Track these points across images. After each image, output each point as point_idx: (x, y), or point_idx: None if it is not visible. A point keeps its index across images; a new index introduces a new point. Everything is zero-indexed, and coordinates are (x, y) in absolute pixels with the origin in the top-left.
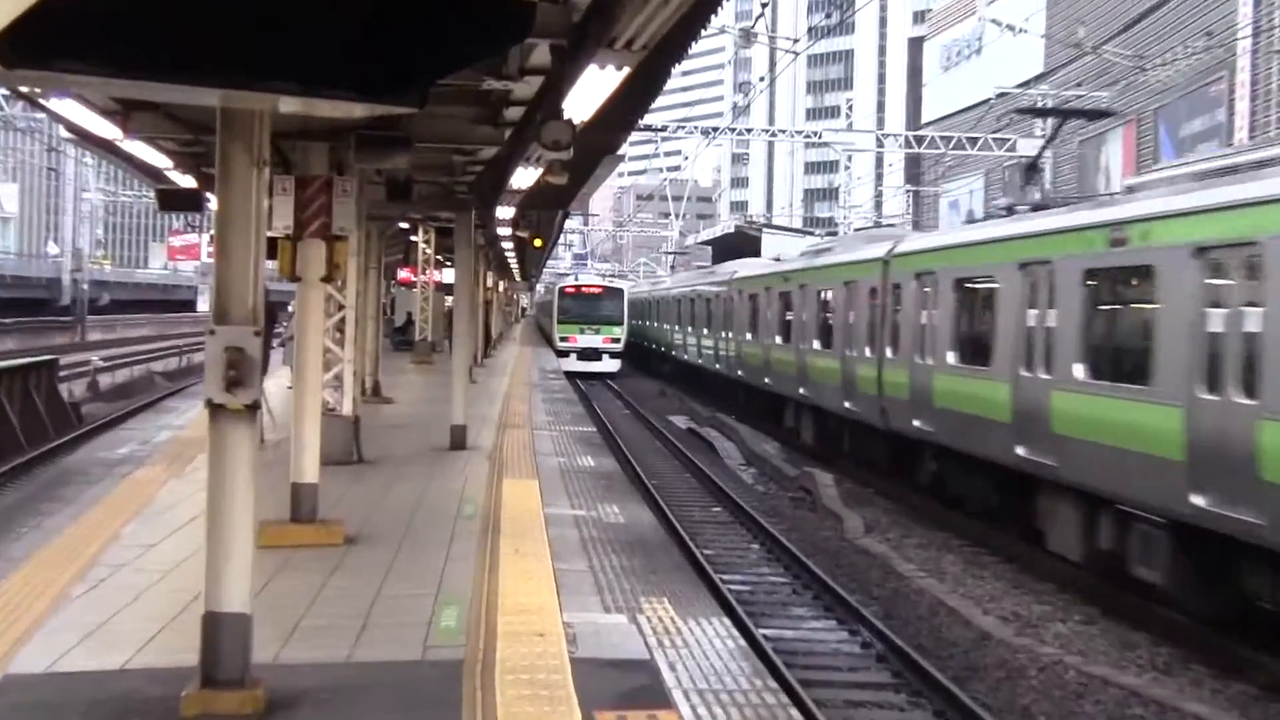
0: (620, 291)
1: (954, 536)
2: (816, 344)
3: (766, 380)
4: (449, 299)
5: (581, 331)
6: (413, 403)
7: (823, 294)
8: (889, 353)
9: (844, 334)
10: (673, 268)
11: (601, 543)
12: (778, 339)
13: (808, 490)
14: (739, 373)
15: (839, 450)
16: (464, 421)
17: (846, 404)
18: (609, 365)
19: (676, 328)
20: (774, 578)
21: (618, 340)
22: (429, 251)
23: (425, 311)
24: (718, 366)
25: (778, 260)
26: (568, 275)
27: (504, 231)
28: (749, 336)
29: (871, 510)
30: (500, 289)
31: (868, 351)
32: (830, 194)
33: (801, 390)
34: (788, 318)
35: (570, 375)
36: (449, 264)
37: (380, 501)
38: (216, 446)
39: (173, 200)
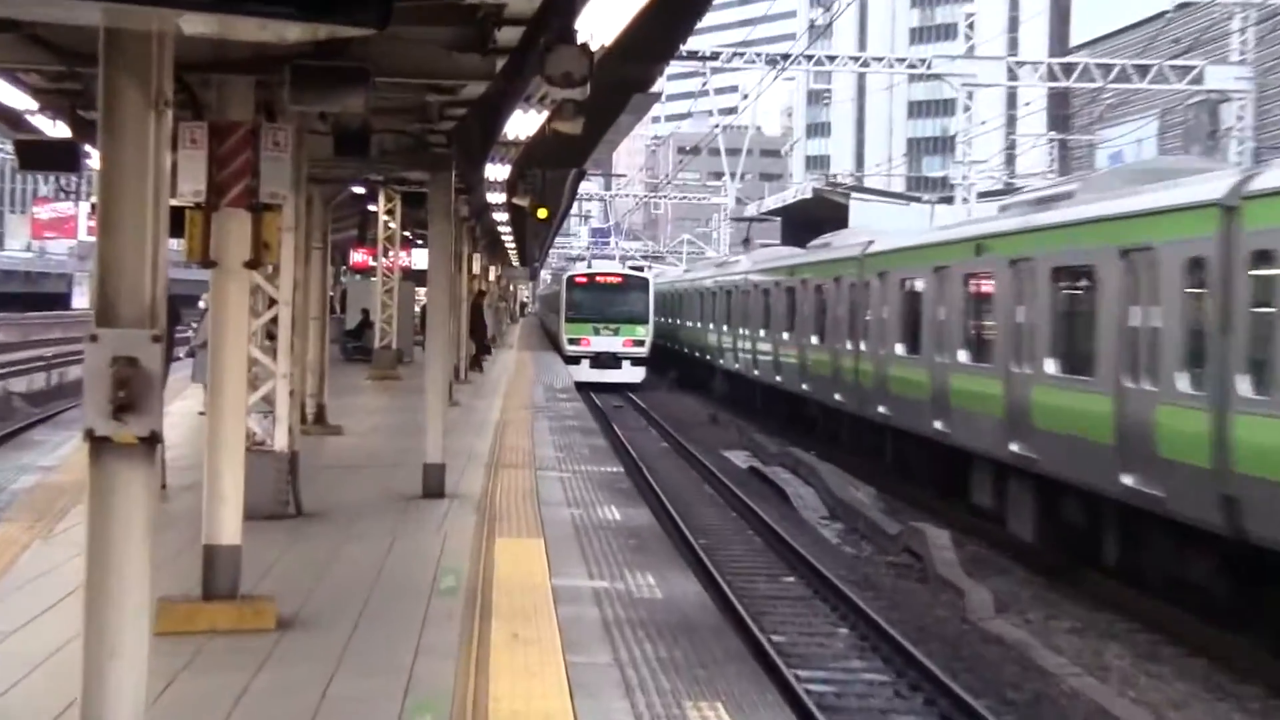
0: (644, 282)
1: (1120, 618)
2: (964, 356)
3: (881, 409)
4: (421, 291)
5: (596, 332)
6: (371, 433)
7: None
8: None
9: (1008, 341)
10: (746, 242)
11: (631, 626)
12: (899, 348)
13: (915, 553)
14: (833, 395)
15: (978, 506)
16: (441, 459)
17: (1013, 446)
18: (630, 375)
19: (715, 327)
20: (869, 674)
21: (642, 343)
22: (393, 227)
23: (389, 308)
24: (779, 379)
25: (825, 245)
26: (583, 259)
27: (496, 199)
28: (847, 344)
29: (1005, 580)
30: (492, 277)
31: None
32: (943, 145)
33: (939, 425)
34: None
35: (582, 388)
36: (421, 243)
37: (326, 570)
38: (99, 495)
39: (38, 155)
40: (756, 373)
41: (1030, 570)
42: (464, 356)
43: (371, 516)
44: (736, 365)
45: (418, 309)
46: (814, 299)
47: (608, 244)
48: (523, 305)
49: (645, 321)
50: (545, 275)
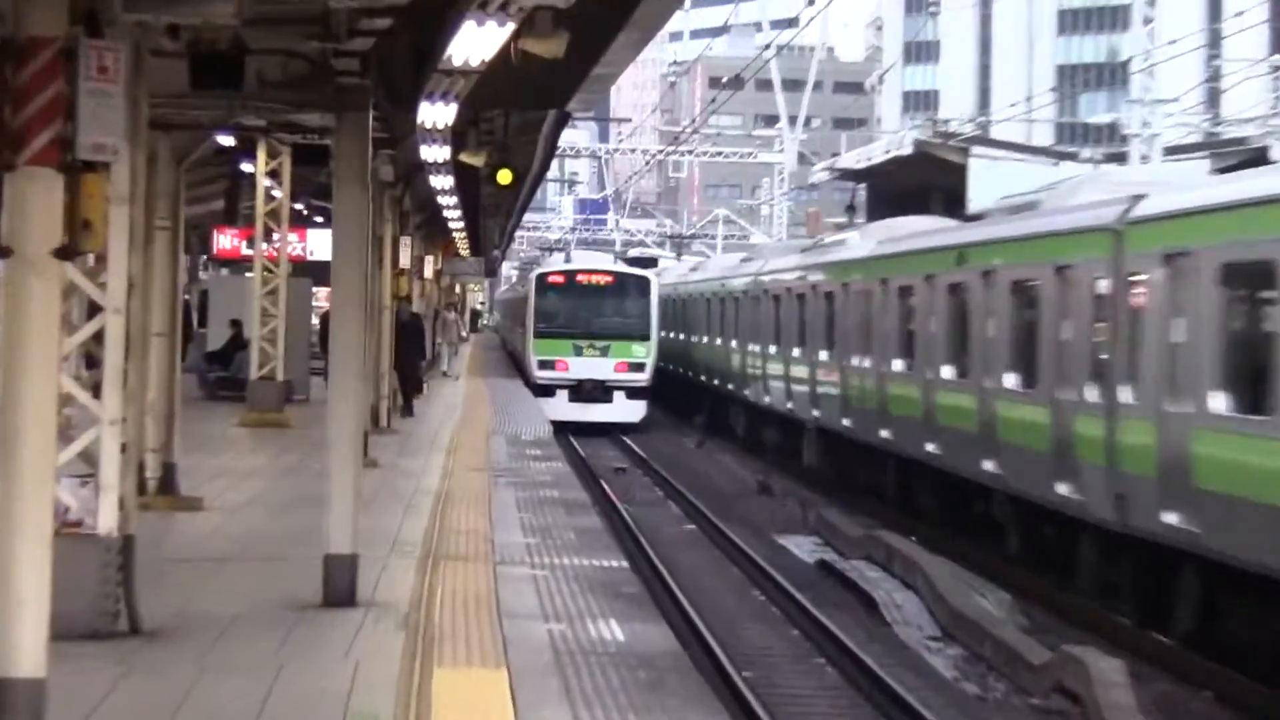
0: (644, 281)
1: None
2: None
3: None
4: (323, 294)
5: (577, 352)
6: (246, 509)
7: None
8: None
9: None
10: (850, 210)
11: None
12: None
13: (1072, 694)
14: (925, 444)
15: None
16: (352, 549)
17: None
18: (625, 412)
19: (738, 345)
20: None
21: (641, 367)
22: (279, 196)
23: (271, 320)
24: (847, 424)
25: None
26: (564, 249)
27: (436, 156)
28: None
29: None
30: (429, 273)
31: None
32: (1110, 76)
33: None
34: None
35: (560, 431)
36: (322, 222)
37: None
38: None
39: None
40: (817, 413)
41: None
42: (388, 393)
43: (245, 636)
44: (787, 404)
45: (317, 320)
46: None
47: (604, 224)
48: (474, 315)
49: (646, 336)
50: (509, 271)
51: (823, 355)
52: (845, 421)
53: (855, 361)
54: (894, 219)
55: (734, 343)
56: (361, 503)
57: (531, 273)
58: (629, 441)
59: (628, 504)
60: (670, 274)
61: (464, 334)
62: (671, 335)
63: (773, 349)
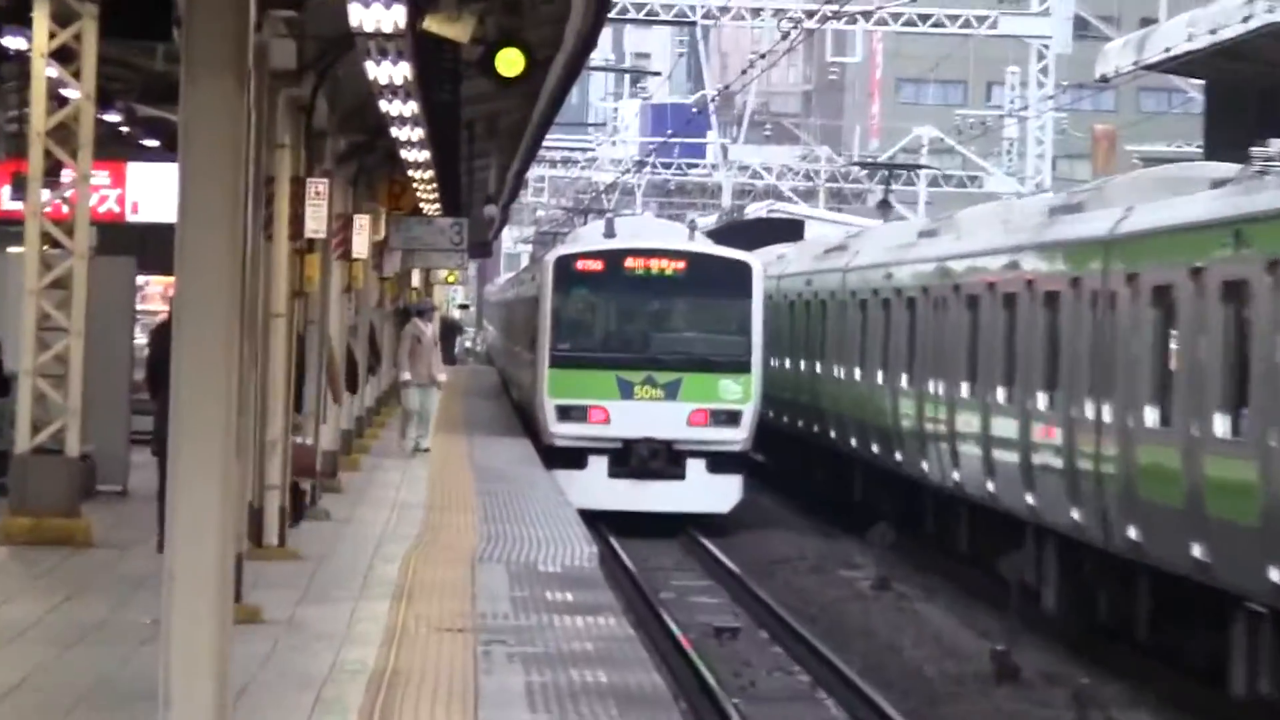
0: (741, 272)
1: None
2: None
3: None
4: (158, 287)
5: (625, 392)
6: None
7: None
8: None
9: None
10: None
11: None
12: None
13: None
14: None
15: None
16: None
17: None
18: (708, 495)
19: (900, 382)
20: None
21: (735, 418)
22: (74, 96)
23: (60, 336)
24: (1134, 535)
25: None
26: (606, 212)
27: (379, 20)
28: None
29: None
30: (368, 247)
31: None
32: None
33: None
34: None
35: (597, 522)
36: (158, 147)
37: None
38: None
39: None
40: (1046, 505)
41: None
42: (282, 476)
43: None
44: (987, 484)
45: (145, 338)
46: None
47: (698, 154)
48: (450, 328)
49: (743, 366)
50: (514, 246)
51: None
52: (1132, 532)
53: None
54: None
55: (897, 378)
56: (229, 701)
57: (547, 255)
58: (714, 548)
59: (740, 696)
60: (798, 256)
61: (437, 374)
62: (775, 363)
63: (965, 390)
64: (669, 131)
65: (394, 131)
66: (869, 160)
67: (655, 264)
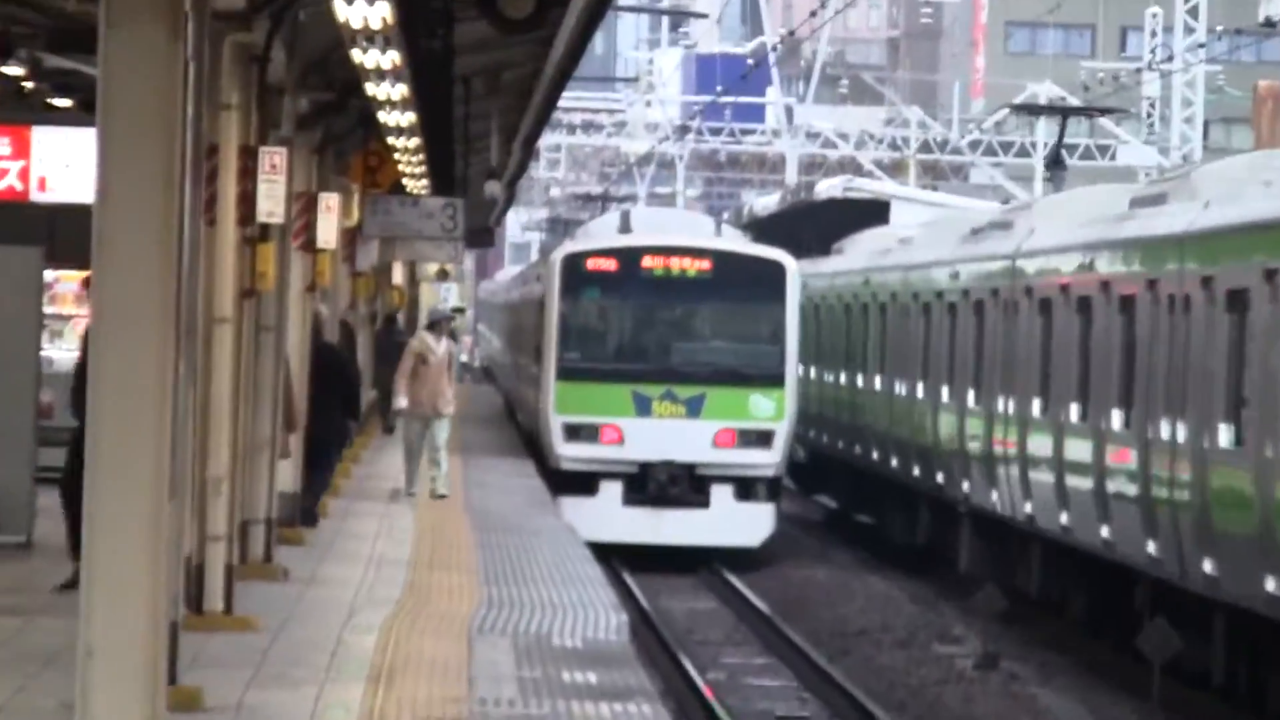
0: (775, 274)
1: None
2: None
3: None
4: (70, 284)
5: (642, 408)
6: None
7: None
8: None
9: None
10: None
11: None
12: None
13: None
14: None
15: None
16: None
17: None
18: (737, 526)
19: (966, 399)
20: None
21: (767, 438)
22: None
23: None
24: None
25: None
26: (629, 199)
27: None
28: None
29: None
30: (336, 236)
31: None
32: None
33: None
34: None
35: (609, 556)
36: (70, 107)
37: None
38: None
39: None
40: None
41: None
42: (228, 525)
43: None
44: (1060, 516)
45: (55, 347)
46: None
47: (756, 118)
48: (427, 331)
49: (776, 379)
50: (522, 235)
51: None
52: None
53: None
54: None
55: (965, 394)
56: None
57: (554, 254)
58: (767, 608)
59: None
60: (928, 240)
61: (443, 406)
62: (900, 389)
63: (1037, 407)
64: (719, 89)
65: (370, 88)
66: (1031, 105)
67: (676, 263)
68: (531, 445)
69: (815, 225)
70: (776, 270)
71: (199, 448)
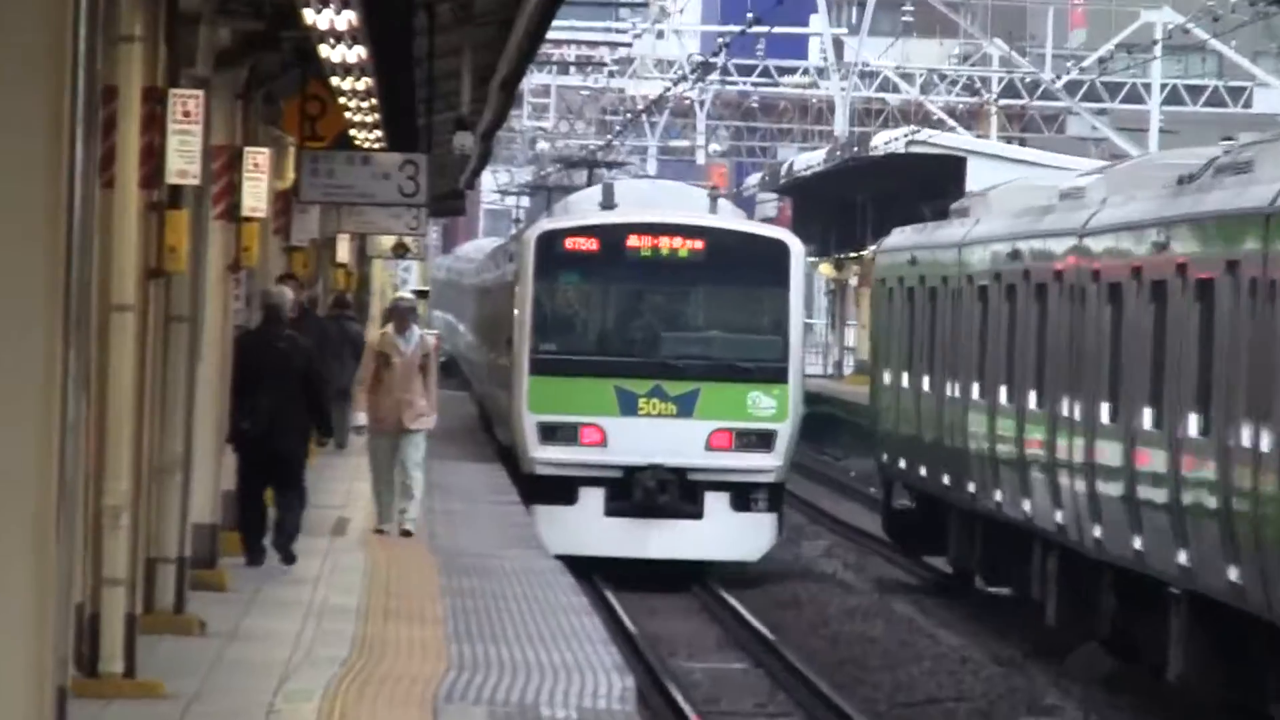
0: (777, 253)
1: None
2: None
3: None
4: None
5: (627, 406)
6: None
7: None
8: None
9: None
10: None
11: None
12: None
13: None
14: None
15: None
16: None
17: None
18: (732, 538)
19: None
20: None
21: (768, 440)
22: None
23: None
24: None
25: None
26: (610, 166)
27: None
28: None
29: None
30: (268, 201)
31: None
32: None
33: None
34: None
35: (581, 566)
36: None
37: None
38: None
39: None
40: None
41: None
42: (130, 549)
43: None
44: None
45: None
46: None
47: (797, 59)
48: (402, 317)
49: (778, 374)
50: (499, 201)
51: None
52: None
53: None
54: None
55: (1229, 431)
56: None
57: (528, 231)
58: (787, 650)
59: None
60: (998, 209)
61: (410, 420)
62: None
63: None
64: (749, 16)
65: (309, 15)
66: (1065, 68)
67: (666, 243)
68: (496, 438)
69: (871, 190)
70: (779, 251)
71: (93, 469)
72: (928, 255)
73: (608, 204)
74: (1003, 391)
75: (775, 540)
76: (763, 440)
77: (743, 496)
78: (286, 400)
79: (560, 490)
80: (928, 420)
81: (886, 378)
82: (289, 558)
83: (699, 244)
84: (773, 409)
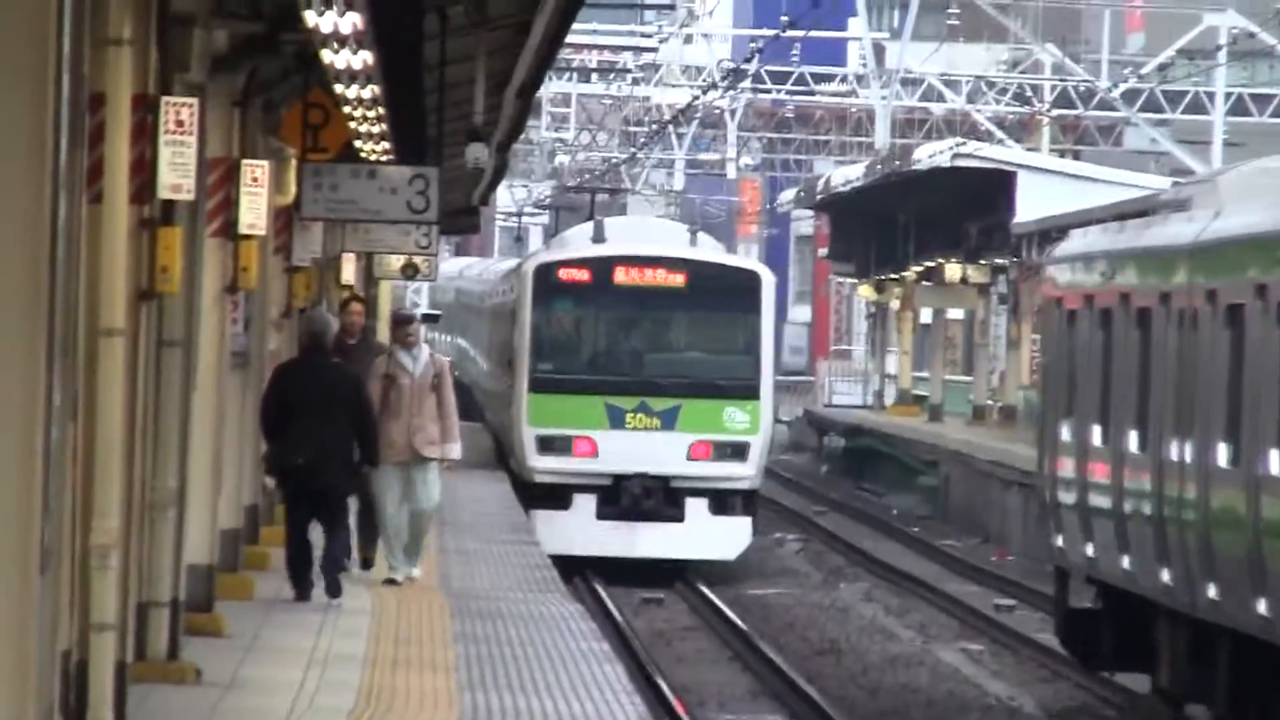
0: (749, 284)
1: None
2: None
3: None
4: None
5: (616, 420)
6: None
7: None
8: None
9: None
10: None
11: None
12: None
13: None
14: None
15: None
16: None
17: None
18: (711, 538)
19: None
20: None
21: (742, 451)
22: None
23: None
24: None
25: None
26: (601, 194)
27: None
28: None
29: None
30: (267, 218)
31: None
32: None
33: None
34: None
35: (574, 571)
36: None
37: None
38: None
39: None
40: None
41: None
42: (119, 591)
43: None
44: None
45: None
46: None
47: (835, 67)
48: (409, 331)
49: (751, 392)
50: (511, 215)
51: None
52: None
53: None
54: None
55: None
56: None
57: (525, 263)
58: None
59: None
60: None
61: (423, 445)
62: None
63: None
64: (784, 20)
65: (312, 18)
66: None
67: (650, 273)
68: (499, 448)
69: (914, 208)
70: (752, 280)
71: (80, 505)
72: (1134, 264)
73: (598, 238)
74: (1273, 458)
75: (749, 542)
76: (738, 451)
77: (720, 502)
78: (333, 432)
79: (556, 496)
80: (1135, 494)
81: (1065, 433)
82: (335, 589)
83: (680, 275)
84: (746, 423)
